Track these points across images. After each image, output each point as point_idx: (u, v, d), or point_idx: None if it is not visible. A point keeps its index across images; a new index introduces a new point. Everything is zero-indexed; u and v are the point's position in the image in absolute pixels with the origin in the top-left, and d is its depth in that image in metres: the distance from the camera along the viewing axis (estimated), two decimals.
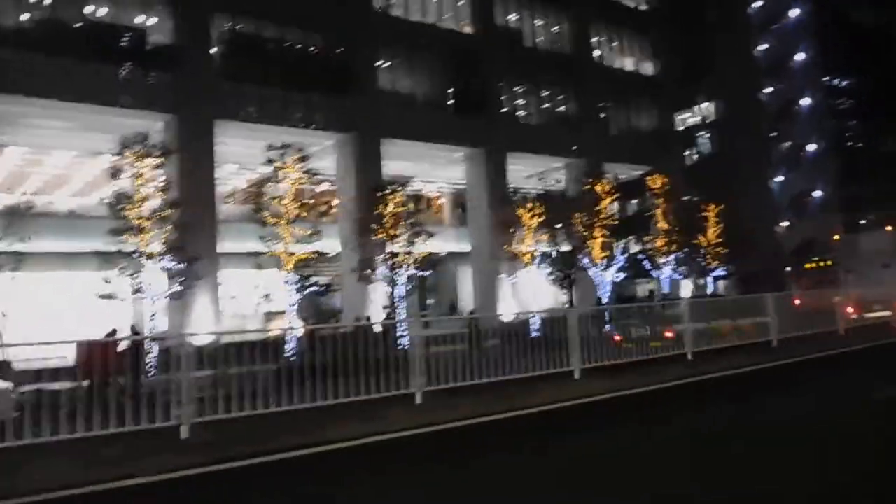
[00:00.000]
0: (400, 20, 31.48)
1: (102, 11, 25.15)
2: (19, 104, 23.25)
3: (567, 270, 30.34)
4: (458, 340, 13.52)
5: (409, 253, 26.27)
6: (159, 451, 7.44)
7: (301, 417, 8.86)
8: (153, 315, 21.61)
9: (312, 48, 29.64)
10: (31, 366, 15.45)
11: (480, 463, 6.77)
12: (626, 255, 33.81)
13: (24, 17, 23.90)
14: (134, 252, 20.88)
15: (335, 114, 28.63)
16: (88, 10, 24.78)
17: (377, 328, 15.67)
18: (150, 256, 21.10)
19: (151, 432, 8.08)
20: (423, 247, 26.54)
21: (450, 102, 33.04)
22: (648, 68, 41.68)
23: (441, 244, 33.53)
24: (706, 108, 57.35)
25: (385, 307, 25.28)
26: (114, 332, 18.74)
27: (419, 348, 9.98)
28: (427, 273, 28.62)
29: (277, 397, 8.95)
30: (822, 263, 43.21)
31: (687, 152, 55.95)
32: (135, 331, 19.76)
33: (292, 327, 22.56)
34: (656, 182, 35.41)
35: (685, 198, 42.62)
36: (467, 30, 33.71)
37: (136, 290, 21.35)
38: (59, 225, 24.97)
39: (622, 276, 33.43)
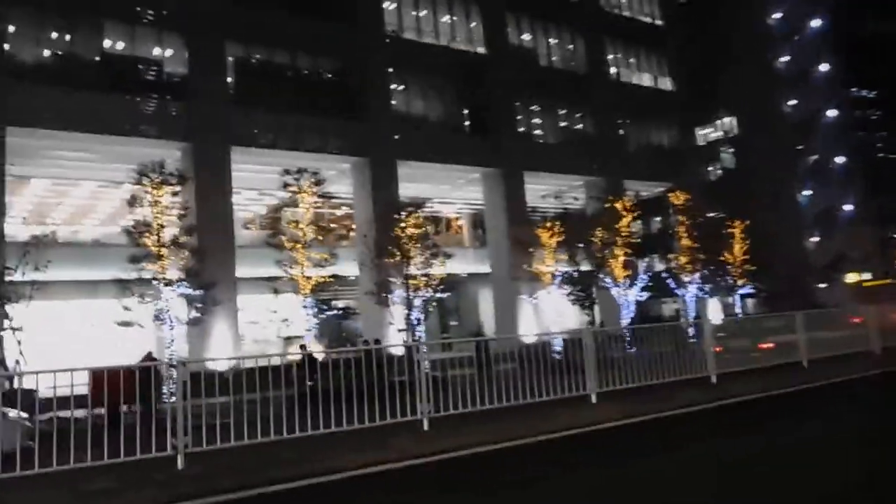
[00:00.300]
0: (412, 42, 31.59)
1: (119, 45, 25.57)
2: (40, 137, 23.66)
3: (587, 290, 29.84)
4: (473, 364, 13.22)
5: (426, 275, 26.11)
6: (152, 482, 7.25)
7: (301, 446, 8.62)
8: (171, 341, 21.64)
9: (325, 73, 29.85)
10: (55, 394, 15.37)
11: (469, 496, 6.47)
12: (649, 274, 33.32)
13: (43, 52, 24.39)
14: (152, 279, 21.00)
15: (349, 138, 28.70)
16: (105, 43, 25.20)
17: (390, 351, 15.44)
18: (167, 283, 21.19)
19: (148, 462, 7.90)
20: (441, 269, 26.34)
21: (465, 123, 33.00)
22: (666, 84, 41.31)
23: (461, 265, 33.30)
24: (727, 123, 56.73)
25: (400, 330, 25.01)
26: (149, 354, 18.67)
27: (424, 373, 9.70)
28: (446, 295, 28.37)
29: (279, 425, 8.72)
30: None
31: (709, 168, 55.30)
32: (150, 358, 19.68)
33: (308, 352, 22.45)
34: (678, 199, 34.92)
35: (709, 214, 42.10)
36: (480, 50, 33.72)
37: (156, 317, 21.41)
38: (82, 254, 25.23)
39: (646, 295, 32.81)
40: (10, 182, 23.18)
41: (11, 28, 23.51)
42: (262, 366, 14.96)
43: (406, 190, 29.59)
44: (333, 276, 23.92)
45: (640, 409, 10.99)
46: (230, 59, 27.13)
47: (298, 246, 23.46)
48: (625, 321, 29.89)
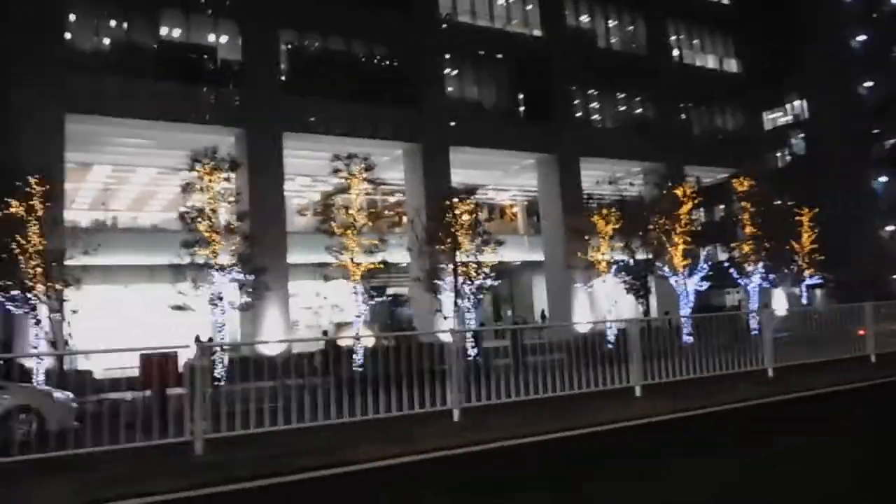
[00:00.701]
0: (466, 26, 31.09)
1: (175, 33, 25.99)
2: (99, 124, 24.30)
3: (642, 279, 28.95)
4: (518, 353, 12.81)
5: (477, 263, 25.76)
6: (170, 468, 7.18)
7: (325, 434, 8.44)
8: (221, 326, 21.95)
9: (378, 59, 29.70)
10: (109, 375, 15.70)
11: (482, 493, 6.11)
12: (709, 263, 32.13)
13: (101, 41, 24.99)
14: (205, 265, 21.31)
15: (402, 124, 28.51)
16: (161, 31, 25.66)
17: (433, 339, 15.17)
18: (220, 268, 21.48)
19: (168, 447, 7.86)
20: (492, 256, 25.95)
21: (520, 108, 32.38)
22: (732, 65, 39.62)
23: (515, 253, 32.84)
24: (798, 106, 54.08)
25: (446, 318, 24.76)
26: (198, 338, 18.95)
27: (457, 360, 9.37)
28: (497, 283, 27.97)
29: (303, 413, 8.55)
30: None
31: (777, 153, 52.92)
32: (198, 342, 19.92)
33: (358, 336, 22.47)
34: (742, 185, 33.50)
35: (776, 202, 40.28)
36: (536, 33, 32.96)
37: (211, 302, 21.74)
38: (140, 239, 25.85)
39: (706, 284, 31.61)
40: (71, 169, 23.85)
41: (71, 17, 24.14)
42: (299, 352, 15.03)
43: (458, 176, 29.26)
44: (384, 262, 23.81)
45: (686, 403, 10.40)
46: (284, 46, 27.26)
47: (349, 232, 23.46)
48: (684, 311, 28.87)
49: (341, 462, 7.16)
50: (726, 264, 33.89)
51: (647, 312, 28.98)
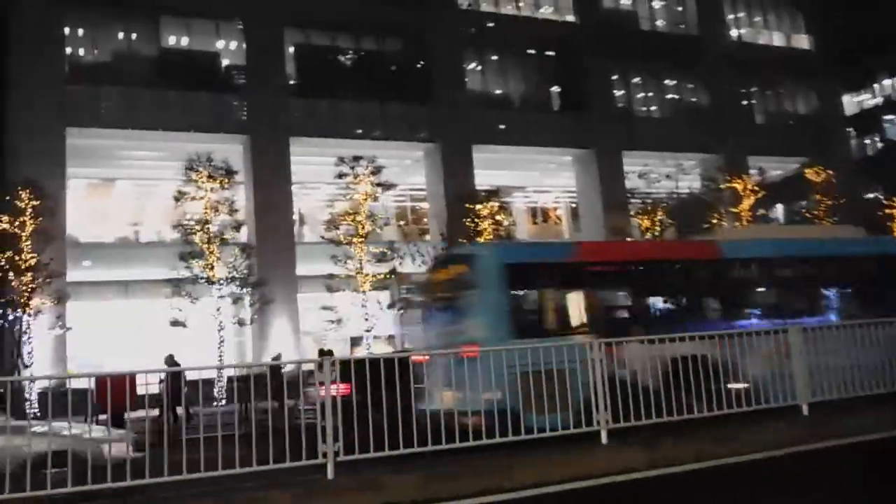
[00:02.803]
0: (489, 15, 28.83)
1: (175, 40, 25.15)
2: (104, 137, 23.65)
3: None
4: None
5: None
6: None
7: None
8: (221, 342, 20.68)
9: (391, 54, 27.91)
10: None
11: None
12: None
13: (99, 51, 24.40)
14: (199, 278, 20.16)
15: (419, 123, 26.58)
16: (163, 39, 24.83)
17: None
18: (211, 282, 20.31)
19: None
20: None
21: (553, 101, 29.93)
22: (802, 42, 35.63)
23: None
24: (889, 86, 48.59)
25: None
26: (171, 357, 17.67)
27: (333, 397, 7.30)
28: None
29: None
30: None
31: (867, 140, 47.72)
32: (171, 362, 18.31)
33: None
34: (818, 176, 29.82)
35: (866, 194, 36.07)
36: (569, 18, 30.34)
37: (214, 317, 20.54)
38: (141, 254, 24.66)
39: None
40: (70, 182, 23.19)
41: (71, 27, 23.61)
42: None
43: (488, 178, 27.17)
44: (393, 272, 22.02)
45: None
46: (290, 46, 25.98)
47: (355, 240, 21.84)
48: None
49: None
50: None
51: None
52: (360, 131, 25.67)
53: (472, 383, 7.48)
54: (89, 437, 7.24)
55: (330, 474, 6.67)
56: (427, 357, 9.12)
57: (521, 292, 9.91)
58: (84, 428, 7.61)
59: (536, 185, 32.87)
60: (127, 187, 27.18)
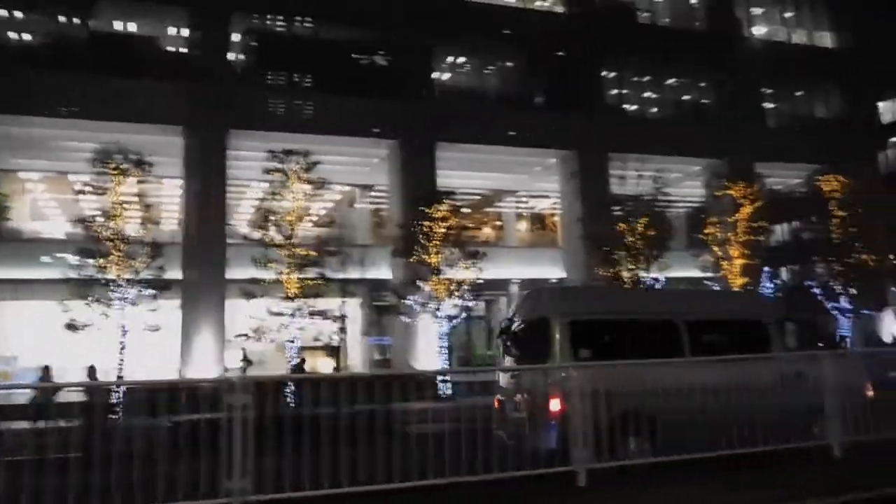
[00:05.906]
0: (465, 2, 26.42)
1: (114, 24, 23.48)
2: (36, 126, 22.04)
3: None
4: None
5: (458, 280, 21.25)
6: None
7: None
8: (122, 348, 18.62)
9: (352, 42, 25.66)
10: None
11: None
12: (777, 282, 25.76)
13: (31, 33, 22.81)
14: (94, 278, 18.21)
15: (381, 119, 24.17)
16: (99, 23, 23.17)
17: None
18: (107, 283, 18.30)
19: None
20: (472, 272, 21.35)
21: (535, 99, 27.30)
22: (825, 40, 32.23)
23: (545, 270, 27.63)
24: None
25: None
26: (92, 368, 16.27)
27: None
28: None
29: None
30: None
31: None
32: (92, 373, 16.67)
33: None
34: (831, 184, 26.51)
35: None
36: (557, 10, 27.72)
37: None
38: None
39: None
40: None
41: None
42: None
43: (471, 180, 25.00)
44: (323, 277, 19.69)
45: None
46: (236, 32, 24.06)
47: (283, 242, 19.61)
48: None
49: None
50: (808, 283, 26.71)
51: None
52: (312, 125, 23.42)
53: None
54: None
55: None
56: None
57: None
58: None
59: (529, 190, 30.26)
60: (39, 179, 25.55)
